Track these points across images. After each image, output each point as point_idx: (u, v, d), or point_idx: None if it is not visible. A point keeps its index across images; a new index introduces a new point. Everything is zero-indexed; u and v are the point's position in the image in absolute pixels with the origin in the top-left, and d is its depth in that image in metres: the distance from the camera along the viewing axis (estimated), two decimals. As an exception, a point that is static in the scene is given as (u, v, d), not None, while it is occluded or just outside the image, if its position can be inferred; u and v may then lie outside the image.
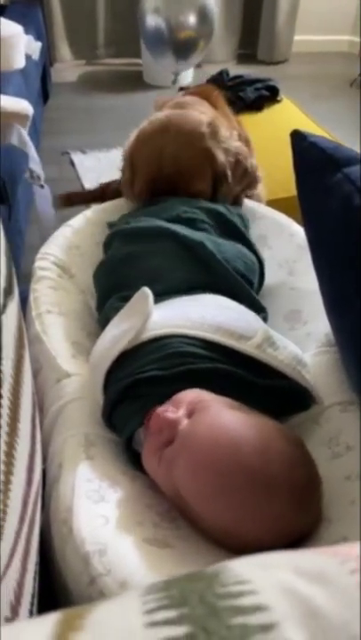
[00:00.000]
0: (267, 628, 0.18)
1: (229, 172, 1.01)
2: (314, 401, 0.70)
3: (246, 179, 1.05)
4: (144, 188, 0.99)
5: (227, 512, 0.53)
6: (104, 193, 1.51)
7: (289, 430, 0.62)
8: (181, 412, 0.59)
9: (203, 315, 0.70)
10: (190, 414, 0.58)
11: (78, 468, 0.60)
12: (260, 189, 1.23)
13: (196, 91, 1.20)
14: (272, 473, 0.53)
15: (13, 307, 0.46)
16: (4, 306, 0.42)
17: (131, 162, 1.01)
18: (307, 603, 0.19)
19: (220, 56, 3.28)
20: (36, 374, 0.78)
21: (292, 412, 0.71)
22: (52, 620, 0.21)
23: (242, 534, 0.53)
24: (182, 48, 2.10)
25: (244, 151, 1.05)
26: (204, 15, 2.06)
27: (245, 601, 0.20)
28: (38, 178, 1.35)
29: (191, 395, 0.61)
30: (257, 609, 0.19)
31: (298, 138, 0.73)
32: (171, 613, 0.19)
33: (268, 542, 0.52)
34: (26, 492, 0.43)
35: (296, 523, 0.54)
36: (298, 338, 0.82)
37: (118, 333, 0.68)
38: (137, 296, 0.71)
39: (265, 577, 0.21)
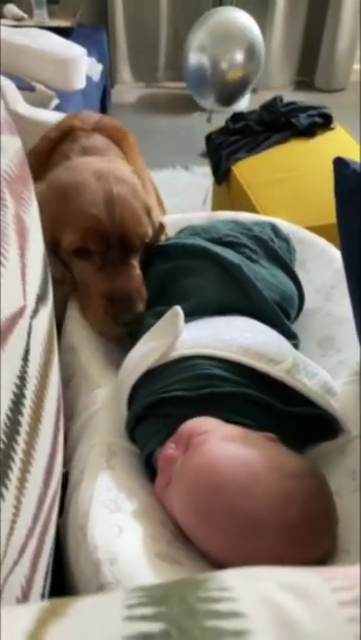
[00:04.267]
0: (240, 633, 0.19)
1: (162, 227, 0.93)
2: (341, 431, 0.68)
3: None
4: (92, 244, 0.80)
5: (220, 551, 0.53)
6: None
7: (299, 461, 0.59)
8: (180, 449, 0.59)
9: (233, 336, 0.71)
10: (186, 450, 0.58)
11: (98, 476, 0.61)
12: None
13: (110, 131, 1.02)
14: (258, 512, 0.51)
15: (45, 312, 0.48)
16: (36, 311, 0.44)
17: (50, 220, 0.79)
18: (285, 615, 0.19)
19: (277, 82, 3.31)
20: (68, 382, 0.80)
21: (319, 440, 0.70)
22: (39, 605, 0.22)
23: None
24: (224, 90, 1.97)
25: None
26: (252, 52, 1.94)
27: (224, 606, 0.20)
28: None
29: (191, 426, 0.61)
30: (233, 615, 0.19)
31: (340, 164, 0.73)
32: (149, 610, 0.20)
33: None
34: (42, 492, 0.44)
35: (299, 559, 0.52)
36: (330, 365, 0.80)
37: (146, 350, 0.69)
38: (168, 314, 0.72)
39: (248, 586, 0.21)
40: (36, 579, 0.44)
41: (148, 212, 0.89)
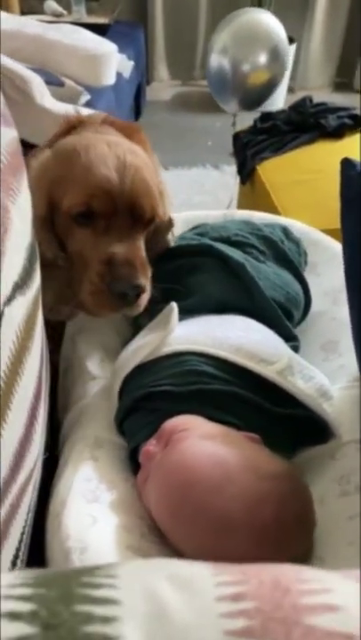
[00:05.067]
0: (108, 620, 0.19)
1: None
2: (333, 435, 0.67)
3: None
4: (98, 204, 0.71)
5: (191, 548, 0.53)
6: None
7: (278, 463, 0.58)
8: (160, 446, 0.59)
9: (227, 335, 0.70)
10: (166, 447, 0.58)
11: (80, 466, 0.61)
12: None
13: (120, 126, 0.95)
14: (229, 511, 0.51)
15: (24, 301, 0.48)
16: (11, 299, 0.45)
17: (51, 184, 0.74)
18: (160, 604, 0.19)
19: (316, 82, 3.27)
20: (66, 372, 0.81)
21: (310, 443, 0.69)
22: None
23: None
24: (246, 94, 1.86)
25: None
26: (276, 54, 1.82)
27: (101, 593, 0.20)
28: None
29: (173, 424, 0.61)
30: (108, 601, 0.20)
31: (347, 166, 0.72)
32: (27, 591, 0.20)
33: None
34: (9, 476, 0.45)
35: (271, 561, 0.52)
36: (331, 369, 0.79)
37: (140, 344, 0.70)
38: (165, 310, 0.73)
39: (134, 576, 0.21)
40: (1, 562, 0.44)
41: (161, 193, 0.82)
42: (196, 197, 2.38)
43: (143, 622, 0.18)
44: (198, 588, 0.20)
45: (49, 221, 0.75)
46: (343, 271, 0.85)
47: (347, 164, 0.72)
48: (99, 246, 0.73)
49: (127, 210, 0.73)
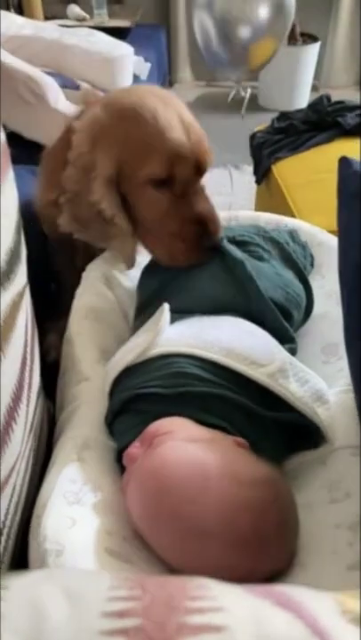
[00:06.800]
0: None
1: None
2: (323, 440, 0.66)
3: None
4: (180, 170, 0.77)
5: (168, 553, 0.53)
6: None
7: (260, 469, 0.57)
8: (143, 448, 0.59)
9: (218, 336, 0.69)
10: (148, 449, 0.58)
11: (66, 467, 0.61)
12: None
13: None
14: (204, 517, 0.50)
15: (6, 297, 0.49)
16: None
17: (118, 146, 0.77)
18: (42, 619, 0.19)
19: (341, 81, 3.22)
20: (63, 373, 0.81)
21: (302, 448, 0.67)
22: None
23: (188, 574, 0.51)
24: (242, 57, 1.53)
25: None
26: (280, 6, 1.43)
27: None
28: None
29: (157, 426, 0.60)
30: None
31: (344, 164, 0.70)
32: None
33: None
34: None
35: (249, 568, 0.50)
36: (330, 372, 0.78)
37: (130, 346, 0.70)
38: (158, 311, 0.72)
39: (26, 588, 0.21)
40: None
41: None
42: (217, 198, 2.37)
43: (22, 633, 0.18)
44: (87, 602, 0.20)
45: (114, 181, 0.79)
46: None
47: (344, 162, 0.70)
48: (182, 207, 0.80)
49: (196, 167, 0.79)
